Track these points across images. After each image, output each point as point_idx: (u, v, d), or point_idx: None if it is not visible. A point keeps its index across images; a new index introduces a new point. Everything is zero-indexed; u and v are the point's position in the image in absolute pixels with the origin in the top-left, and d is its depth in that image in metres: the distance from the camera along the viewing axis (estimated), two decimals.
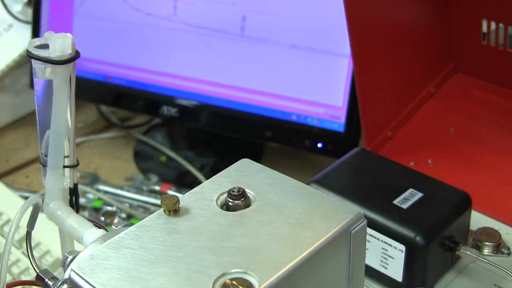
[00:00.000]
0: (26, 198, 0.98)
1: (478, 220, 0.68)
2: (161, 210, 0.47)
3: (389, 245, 0.59)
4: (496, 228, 0.67)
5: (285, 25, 1.00)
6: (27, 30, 1.24)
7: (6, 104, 1.29)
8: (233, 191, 0.47)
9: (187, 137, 1.20)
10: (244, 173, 0.50)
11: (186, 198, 0.48)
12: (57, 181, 0.57)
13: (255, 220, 0.46)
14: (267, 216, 0.46)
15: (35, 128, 1.26)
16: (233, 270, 0.41)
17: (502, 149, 0.78)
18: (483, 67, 0.85)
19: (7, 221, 0.94)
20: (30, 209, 0.57)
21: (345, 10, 0.72)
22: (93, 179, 1.09)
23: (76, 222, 0.55)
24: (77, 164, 0.59)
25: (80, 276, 0.43)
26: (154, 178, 1.09)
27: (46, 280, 0.53)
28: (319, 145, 0.99)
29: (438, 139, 0.80)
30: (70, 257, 0.51)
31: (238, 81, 1.05)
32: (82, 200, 1.05)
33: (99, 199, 1.04)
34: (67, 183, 0.58)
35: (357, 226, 0.45)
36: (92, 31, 1.15)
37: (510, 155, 0.77)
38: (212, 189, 0.49)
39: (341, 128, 0.98)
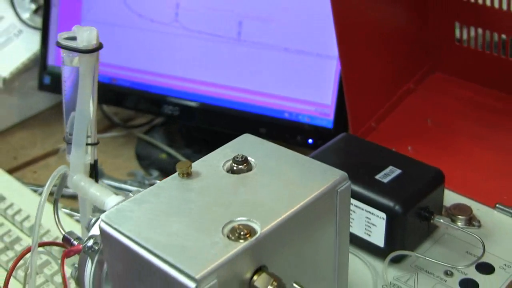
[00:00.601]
0: (35, 191, 1.06)
1: (452, 198, 0.76)
2: (176, 174, 0.55)
3: (372, 214, 0.67)
4: (468, 204, 0.75)
5: (278, 30, 1.08)
6: (35, 35, 1.32)
7: (14, 105, 1.35)
8: (237, 158, 0.55)
9: (185, 136, 1.27)
10: (246, 144, 0.58)
11: (196, 165, 0.56)
12: (80, 156, 0.65)
13: (256, 181, 0.54)
14: (266, 178, 0.54)
15: (41, 128, 1.34)
16: (238, 218, 0.49)
17: (474, 137, 0.86)
18: (457, 66, 0.93)
19: (18, 211, 1.01)
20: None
21: (333, 14, 0.80)
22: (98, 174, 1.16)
23: (99, 191, 0.63)
24: (98, 143, 0.67)
25: (109, 225, 0.50)
26: (154, 173, 1.16)
27: (72, 240, 0.61)
28: (310, 140, 1.07)
29: (417, 129, 0.88)
30: (93, 219, 0.59)
31: (235, 82, 1.12)
32: None
33: None
34: (89, 160, 0.66)
35: (342, 186, 0.53)
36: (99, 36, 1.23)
37: (481, 142, 0.85)
38: (219, 157, 0.57)
39: (330, 125, 1.05)
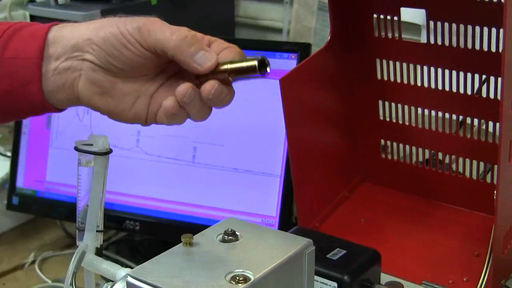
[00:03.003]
0: None
1: (386, 278, 0.94)
2: (181, 244, 0.71)
3: (325, 284, 0.84)
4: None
5: (228, 153, 1.26)
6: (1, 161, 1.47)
7: None
8: (227, 231, 0.72)
9: (141, 249, 1.42)
10: (231, 224, 0.75)
11: (196, 237, 0.72)
12: (92, 240, 0.80)
13: (243, 246, 0.70)
14: (251, 244, 0.70)
15: (6, 246, 1.45)
16: (236, 270, 0.65)
17: (399, 231, 1.05)
18: (383, 177, 1.14)
19: None
20: None
21: (288, 142, 0.99)
22: None
23: (109, 266, 0.78)
24: (104, 230, 0.82)
25: (136, 278, 0.66)
26: None
27: None
28: None
29: (353, 227, 1.07)
30: (109, 285, 0.74)
31: (190, 199, 1.29)
32: None
33: None
34: (96, 243, 0.81)
35: (309, 249, 0.70)
36: (65, 161, 1.38)
37: (405, 235, 1.05)
38: (212, 232, 0.73)
39: None
